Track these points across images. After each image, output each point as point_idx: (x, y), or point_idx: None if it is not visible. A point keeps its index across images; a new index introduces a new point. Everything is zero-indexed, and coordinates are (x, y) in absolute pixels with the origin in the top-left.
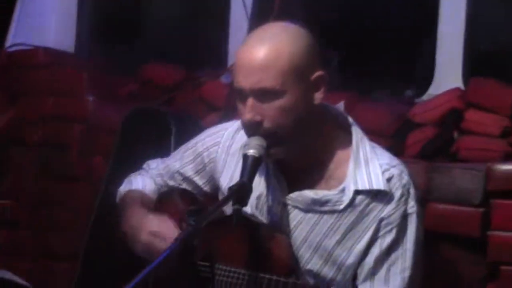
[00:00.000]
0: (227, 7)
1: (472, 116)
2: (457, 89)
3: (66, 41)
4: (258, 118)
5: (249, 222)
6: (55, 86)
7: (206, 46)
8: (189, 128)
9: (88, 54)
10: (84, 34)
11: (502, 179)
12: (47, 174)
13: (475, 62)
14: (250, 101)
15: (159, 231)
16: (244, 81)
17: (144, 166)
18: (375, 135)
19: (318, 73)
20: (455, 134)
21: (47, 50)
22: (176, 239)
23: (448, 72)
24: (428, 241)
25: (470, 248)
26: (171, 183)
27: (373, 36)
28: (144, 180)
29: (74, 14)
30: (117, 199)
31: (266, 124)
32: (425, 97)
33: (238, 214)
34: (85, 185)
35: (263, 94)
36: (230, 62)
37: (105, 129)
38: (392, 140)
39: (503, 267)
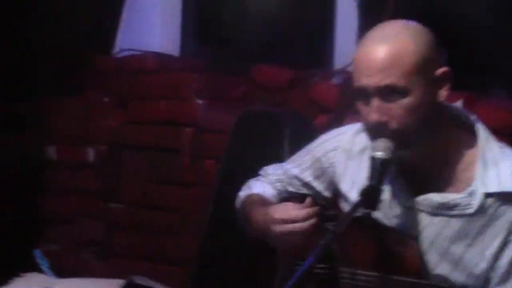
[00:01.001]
0: (334, 7)
1: None
2: None
3: (171, 44)
4: (384, 118)
5: (376, 225)
6: (165, 90)
7: (311, 45)
8: (303, 130)
9: (194, 57)
10: (189, 37)
11: None
12: (160, 178)
13: None
14: (376, 101)
15: (287, 216)
16: (369, 79)
17: (261, 172)
18: (496, 134)
19: (442, 70)
20: None
21: (156, 55)
22: (320, 244)
23: None
24: None
25: None
26: (290, 188)
27: (483, 31)
28: (263, 186)
29: (178, 17)
30: (238, 204)
31: (392, 124)
32: None
33: (369, 218)
34: (197, 189)
35: (389, 93)
36: (336, 62)
37: (216, 132)
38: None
39: None
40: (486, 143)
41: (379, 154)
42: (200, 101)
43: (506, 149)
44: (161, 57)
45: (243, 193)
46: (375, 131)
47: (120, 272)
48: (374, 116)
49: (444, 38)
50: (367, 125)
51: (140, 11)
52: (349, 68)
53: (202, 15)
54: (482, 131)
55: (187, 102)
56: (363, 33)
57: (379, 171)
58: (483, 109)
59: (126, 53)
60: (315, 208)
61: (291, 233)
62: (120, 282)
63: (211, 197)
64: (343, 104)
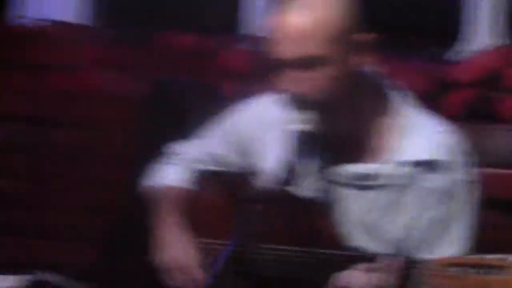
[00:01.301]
0: None
1: None
2: (500, 46)
3: (80, 14)
4: (304, 88)
5: (293, 200)
6: (70, 60)
7: (215, 12)
8: (211, 100)
9: (101, 25)
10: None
11: None
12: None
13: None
14: (295, 71)
15: (183, 266)
16: (287, 50)
17: (170, 150)
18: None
19: (362, 36)
20: (496, 94)
21: (56, 23)
22: (239, 222)
23: (478, 28)
24: None
25: None
26: (203, 166)
27: None
28: (175, 171)
29: None
30: (145, 190)
31: (311, 94)
32: (457, 54)
33: (287, 192)
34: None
35: (308, 63)
36: (241, 28)
37: (120, 102)
38: (430, 101)
39: None
40: (402, 111)
41: (298, 127)
42: (107, 71)
43: (424, 115)
44: (61, 25)
45: (152, 180)
46: (294, 102)
47: None
48: (293, 87)
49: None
50: (285, 96)
51: None
52: (258, 34)
53: None
54: (398, 99)
55: (93, 72)
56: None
57: (298, 144)
58: (397, 71)
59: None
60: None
61: (174, 278)
62: (26, 277)
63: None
64: (252, 70)
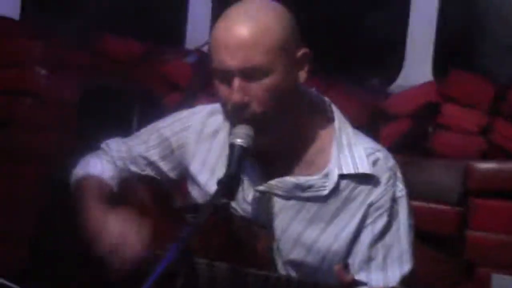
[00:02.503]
0: None
1: (449, 111)
2: (433, 82)
3: (12, 7)
4: (246, 99)
5: (230, 216)
6: (2, 57)
7: (163, 22)
8: (152, 107)
9: (36, 22)
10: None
11: (481, 178)
12: None
13: (446, 54)
14: (238, 81)
15: (123, 239)
16: (230, 60)
17: (103, 145)
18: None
19: (302, 50)
20: (430, 129)
21: None
22: (179, 238)
23: (418, 63)
24: None
25: (446, 247)
26: (133, 168)
27: (339, 21)
28: (102, 164)
29: None
30: (72, 181)
31: (254, 106)
32: (393, 87)
33: (227, 207)
34: (35, 163)
35: (251, 73)
36: (188, 41)
37: (58, 104)
38: (365, 131)
39: (480, 269)
40: (341, 127)
41: (239, 141)
42: (41, 70)
43: (360, 134)
44: None
45: (80, 171)
46: (235, 113)
47: None
48: (236, 97)
49: (301, 20)
50: (226, 107)
51: None
52: (203, 48)
53: None
54: (337, 115)
55: (26, 71)
56: (217, 13)
57: (238, 158)
58: (335, 98)
59: None
60: (187, 230)
61: (120, 256)
62: None
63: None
64: (195, 83)
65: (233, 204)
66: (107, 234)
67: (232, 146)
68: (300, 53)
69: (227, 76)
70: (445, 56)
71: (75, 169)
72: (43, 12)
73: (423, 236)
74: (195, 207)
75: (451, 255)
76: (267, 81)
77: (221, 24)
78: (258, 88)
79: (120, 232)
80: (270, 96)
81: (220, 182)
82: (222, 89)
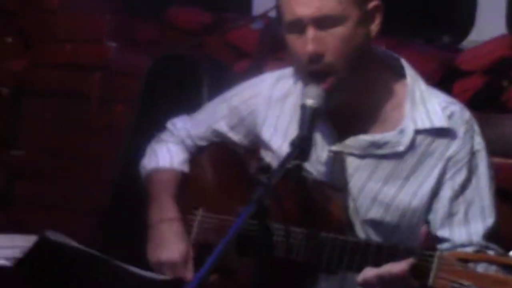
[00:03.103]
0: None
1: None
2: (506, 35)
3: None
4: (321, 48)
5: (304, 179)
6: (73, 31)
7: None
8: (222, 76)
9: None
10: None
11: None
12: (65, 124)
13: None
14: (311, 30)
15: (167, 260)
16: (304, 9)
17: (169, 126)
18: None
19: (374, 2)
20: (505, 83)
21: None
22: (251, 200)
23: (491, 18)
24: None
25: None
26: (201, 143)
27: None
28: (170, 152)
29: None
30: (143, 175)
31: (328, 57)
32: (466, 43)
33: (300, 169)
34: (106, 135)
35: (325, 22)
36: (254, 7)
37: (128, 77)
38: (437, 89)
39: None
40: (413, 82)
41: (310, 102)
42: (111, 44)
43: (433, 89)
44: None
45: (148, 163)
46: (310, 65)
47: (21, 222)
48: (310, 47)
49: None
50: (301, 60)
51: None
52: (270, 13)
53: None
54: (409, 71)
55: (96, 44)
56: None
57: (310, 120)
58: (405, 56)
59: None
60: (260, 192)
61: (158, 268)
62: (30, 238)
63: (122, 146)
64: (263, 50)
65: (307, 166)
66: (164, 251)
67: (303, 107)
68: (371, 4)
69: (300, 27)
70: None
71: (144, 160)
72: None
73: (503, 194)
74: (268, 168)
75: None
76: (340, 30)
77: None
78: (332, 37)
79: (182, 255)
80: (344, 46)
81: (292, 144)
82: (295, 42)
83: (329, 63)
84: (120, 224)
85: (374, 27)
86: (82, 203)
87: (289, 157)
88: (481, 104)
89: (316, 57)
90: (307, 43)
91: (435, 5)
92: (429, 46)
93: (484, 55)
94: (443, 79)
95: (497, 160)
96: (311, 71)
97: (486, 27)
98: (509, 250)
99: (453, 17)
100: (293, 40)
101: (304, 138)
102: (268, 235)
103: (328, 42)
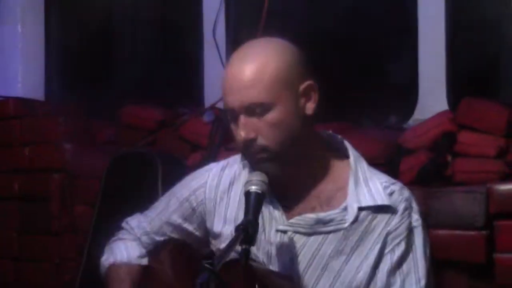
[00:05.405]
0: (201, 48)
1: (466, 138)
2: (447, 111)
3: (35, 89)
4: (252, 135)
5: (250, 266)
6: (29, 136)
7: (180, 84)
8: (176, 171)
9: (60, 101)
10: (54, 81)
11: (504, 200)
12: (28, 229)
13: (459, 83)
14: (242, 118)
15: None
16: (233, 100)
17: (124, 225)
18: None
19: (307, 83)
20: (449, 158)
21: (18, 100)
22: (196, 284)
23: (432, 95)
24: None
25: (475, 274)
26: (158, 238)
27: (351, 61)
28: (127, 247)
29: (41, 61)
30: (102, 272)
31: (260, 140)
32: (411, 122)
33: (247, 254)
34: (70, 237)
35: (253, 110)
36: (206, 100)
37: (86, 177)
38: (385, 167)
39: None
40: (356, 162)
41: (254, 188)
42: (67, 146)
43: (374, 170)
44: (24, 102)
45: (106, 260)
46: (246, 149)
47: None
48: (241, 133)
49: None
50: (238, 146)
51: (1, 58)
52: (219, 105)
53: (66, 58)
54: (352, 152)
55: (54, 147)
56: None
57: (255, 205)
58: (353, 138)
59: None
60: (204, 276)
61: None
62: None
63: (85, 245)
64: (215, 141)
65: (257, 246)
66: None
67: (247, 194)
68: (303, 85)
69: (234, 115)
70: (459, 86)
71: (102, 258)
72: (66, 88)
73: (451, 265)
74: (212, 254)
75: (485, 281)
76: (270, 116)
77: (226, 69)
78: (264, 123)
79: None
80: (275, 130)
81: (237, 228)
82: (234, 129)
83: (261, 145)
84: None
85: (311, 104)
86: None
87: (233, 242)
88: (428, 179)
89: (249, 142)
90: (239, 130)
91: (380, 92)
92: (374, 129)
93: (427, 131)
94: (390, 158)
95: (445, 232)
96: (248, 153)
97: (429, 104)
98: None
99: (397, 101)
100: (232, 127)
101: (249, 222)
102: None
103: (260, 127)
